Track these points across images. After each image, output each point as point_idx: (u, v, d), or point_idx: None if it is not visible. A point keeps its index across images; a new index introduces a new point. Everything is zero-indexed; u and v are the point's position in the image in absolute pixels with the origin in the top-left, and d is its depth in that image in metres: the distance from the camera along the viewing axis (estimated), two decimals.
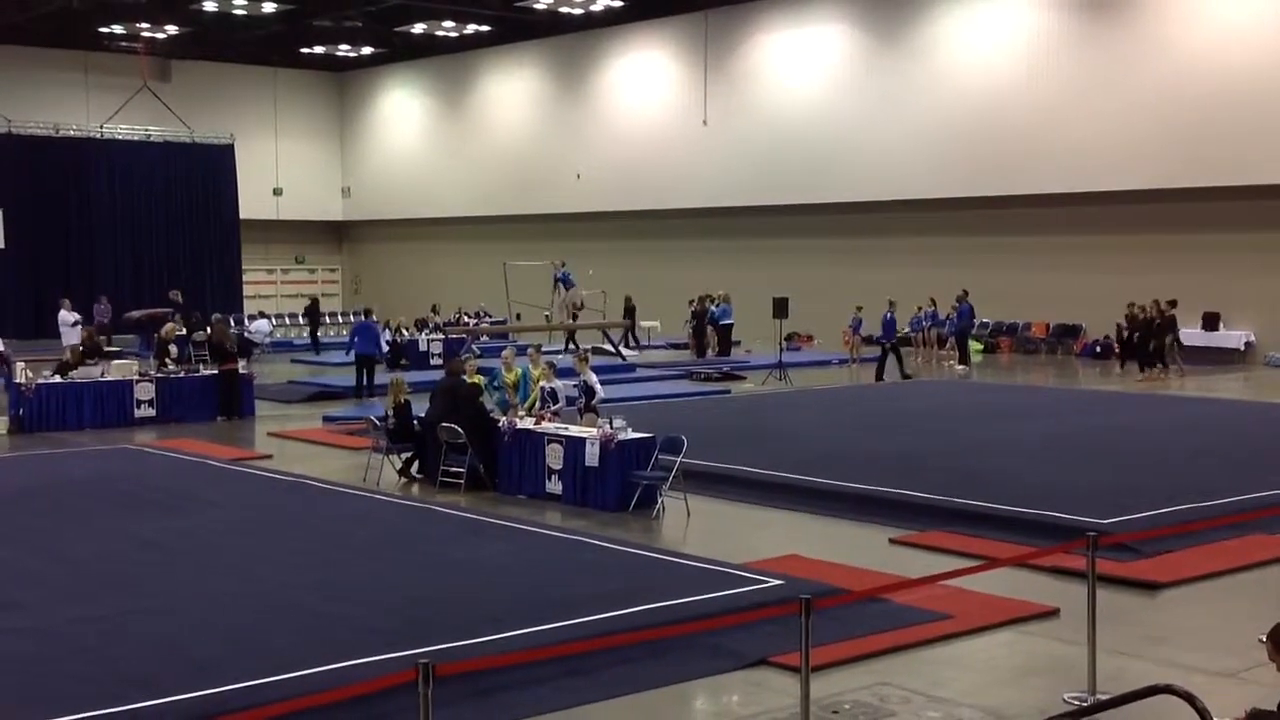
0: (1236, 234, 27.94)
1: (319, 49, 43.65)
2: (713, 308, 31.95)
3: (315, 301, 36.94)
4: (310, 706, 6.07)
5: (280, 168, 46.19)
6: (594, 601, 8.95)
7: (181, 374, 21.01)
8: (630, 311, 33.70)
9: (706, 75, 36.94)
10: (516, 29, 39.87)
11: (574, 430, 13.82)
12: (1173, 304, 26.46)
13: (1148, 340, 26.11)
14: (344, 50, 44.06)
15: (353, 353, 23.92)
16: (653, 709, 7.50)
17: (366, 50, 44.15)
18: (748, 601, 8.96)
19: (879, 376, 25.80)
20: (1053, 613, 9.14)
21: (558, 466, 13.53)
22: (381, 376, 23.64)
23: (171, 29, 39.34)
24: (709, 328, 31.72)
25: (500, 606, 8.97)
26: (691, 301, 33.07)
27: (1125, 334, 27.22)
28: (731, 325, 31.67)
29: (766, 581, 9.60)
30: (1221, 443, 16.34)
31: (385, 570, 10.29)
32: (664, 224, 38.46)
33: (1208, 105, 27.72)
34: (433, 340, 30.56)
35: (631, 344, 32.57)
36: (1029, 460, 15.02)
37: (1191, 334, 28.89)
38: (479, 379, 15.90)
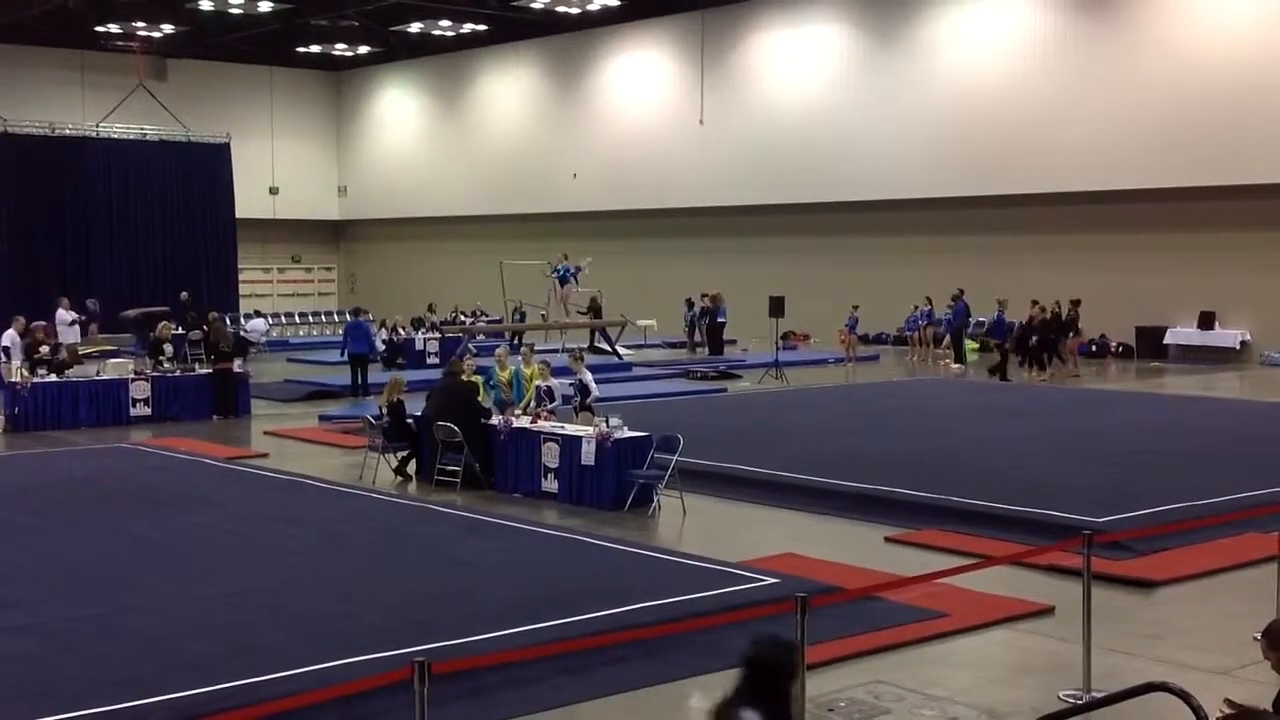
0: (1232, 233, 27.96)
1: (315, 48, 43.63)
2: (707, 305, 32.00)
3: (185, 300, 34.19)
4: (305, 705, 6.07)
5: (276, 167, 46.16)
6: (589, 600, 8.94)
7: (177, 373, 20.99)
8: (597, 311, 32.56)
9: (703, 74, 36.94)
10: (513, 28, 39.86)
11: (570, 429, 13.82)
12: (1076, 304, 26.74)
13: (1045, 340, 26.53)
14: (340, 49, 44.04)
15: (346, 352, 24.03)
16: (648, 708, 7.50)
17: (363, 49, 44.13)
18: (743, 600, 8.96)
19: (1003, 376, 25.08)
20: (1048, 611, 9.15)
21: (554, 465, 13.53)
22: (378, 376, 23.66)
23: (167, 28, 39.33)
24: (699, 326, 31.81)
25: (496, 605, 8.96)
26: (691, 301, 33.04)
27: (1022, 334, 27.46)
28: (724, 324, 31.67)
29: (762, 580, 9.60)
30: (1217, 441, 16.35)
31: (381, 568, 10.28)
32: (660, 223, 38.45)
33: (1205, 104, 27.73)
34: (429, 339, 30.56)
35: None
36: (1024, 459, 15.02)
37: (1187, 333, 28.97)
38: (476, 378, 15.90)
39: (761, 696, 4.28)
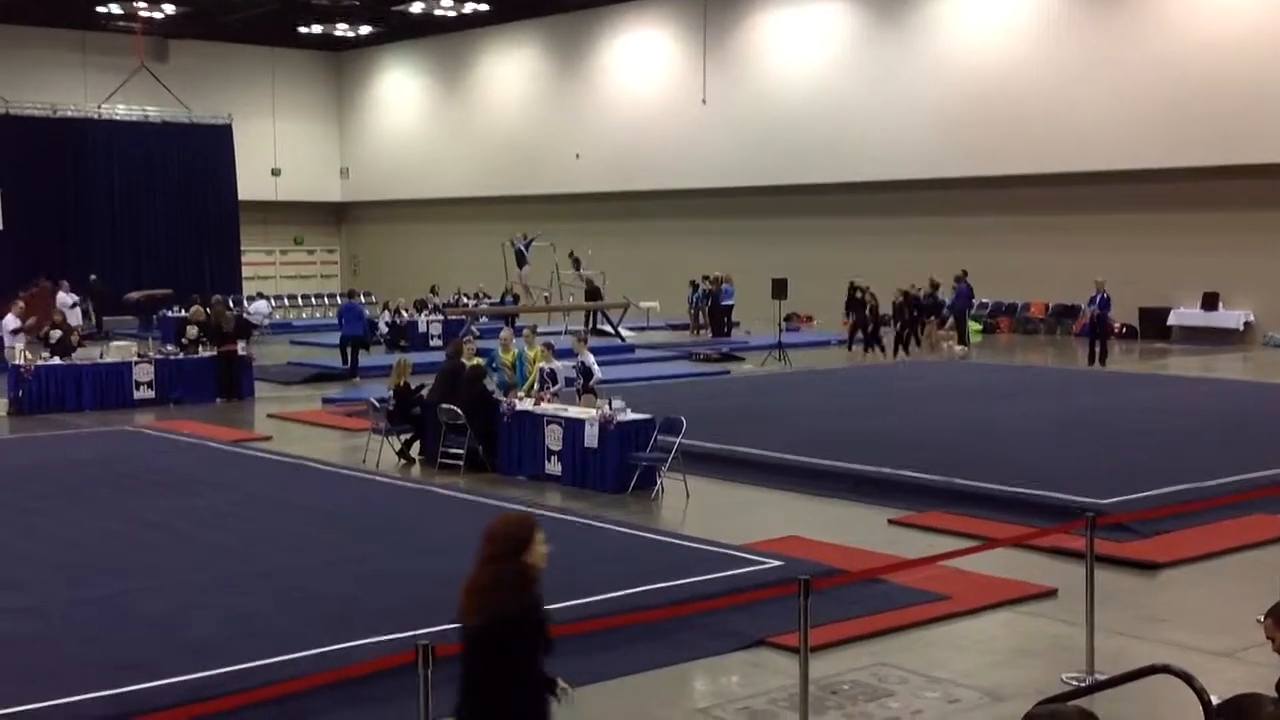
0: (1236, 213, 27.87)
1: (317, 28, 43.48)
2: (708, 286, 31.97)
3: (94, 282, 33.36)
4: (309, 688, 6.08)
5: (278, 148, 46.06)
6: (593, 583, 8.93)
7: (180, 355, 20.99)
8: (594, 294, 32.23)
9: (706, 54, 36.82)
10: (515, 7, 39.72)
11: (573, 411, 13.81)
12: (935, 287, 27.56)
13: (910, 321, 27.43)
14: (342, 29, 43.89)
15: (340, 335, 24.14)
16: (652, 690, 7.51)
17: (364, 29, 43.99)
18: (747, 582, 8.98)
19: (1103, 361, 23.98)
20: (1051, 593, 9.16)
21: (557, 448, 13.53)
22: (376, 359, 23.67)
23: (169, 8, 39.16)
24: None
25: None
26: (695, 283, 32.97)
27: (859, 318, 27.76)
28: (730, 306, 31.65)
29: (765, 562, 9.61)
30: (1221, 423, 16.32)
31: (384, 551, 10.29)
32: (663, 204, 38.39)
33: (1208, 84, 27.62)
34: (432, 321, 30.57)
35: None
36: (1028, 441, 15.02)
37: (1191, 314, 28.93)
38: (479, 361, 15.88)
39: None
